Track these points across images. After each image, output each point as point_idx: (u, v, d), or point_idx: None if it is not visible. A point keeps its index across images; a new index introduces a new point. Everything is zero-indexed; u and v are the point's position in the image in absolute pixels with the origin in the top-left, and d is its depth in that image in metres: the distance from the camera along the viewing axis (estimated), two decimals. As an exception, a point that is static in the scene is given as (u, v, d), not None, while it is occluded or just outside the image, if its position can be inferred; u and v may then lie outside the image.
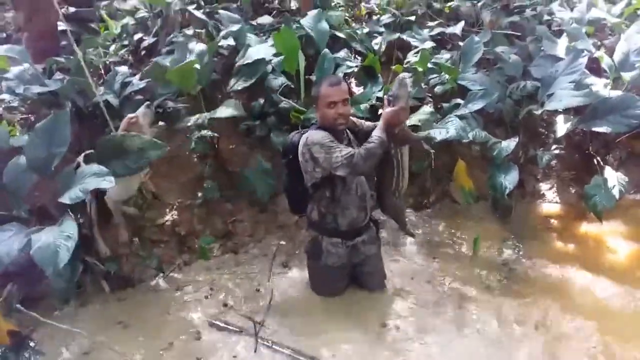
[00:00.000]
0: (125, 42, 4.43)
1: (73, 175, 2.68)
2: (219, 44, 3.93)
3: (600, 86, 3.66)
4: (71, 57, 3.69)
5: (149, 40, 4.31)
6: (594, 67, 3.91)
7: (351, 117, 2.84)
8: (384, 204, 2.95)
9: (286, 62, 3.75)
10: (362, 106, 3.68)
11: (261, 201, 3.65)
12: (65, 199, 2.57)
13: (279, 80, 3.77)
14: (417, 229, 3.70)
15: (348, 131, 2.79)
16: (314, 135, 2.63)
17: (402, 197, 2.96)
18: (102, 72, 3.96)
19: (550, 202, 3.93)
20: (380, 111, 3.05)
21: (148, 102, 3.29)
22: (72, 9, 4.58)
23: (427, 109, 3.66)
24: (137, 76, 3.78)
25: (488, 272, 3.25)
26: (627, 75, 3.62)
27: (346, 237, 2.87)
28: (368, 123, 2.89)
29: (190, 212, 3.54)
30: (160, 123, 3.42)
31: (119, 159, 2.81)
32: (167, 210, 3.51)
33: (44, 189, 2.96)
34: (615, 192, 3.36)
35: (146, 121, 3.14)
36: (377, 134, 2.57)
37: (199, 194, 3.60)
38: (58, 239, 2.41)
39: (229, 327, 2.74)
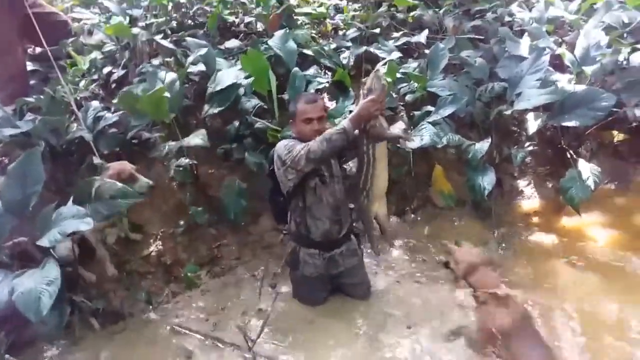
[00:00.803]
0: (95, 77, 4.41)
1: (51, 217, 2.65)
2: (189, 70, 3.95)
3: (564, 82, 3.76)
4: (41, 96, 3.67)
5: (118, 73, 4.29)
6: (557, 63, 4.02)
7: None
8: (354, 208, 2.90)
9: (257, 83, 3.78)
10: (337, 120, 3.72)
11: (235, 222, 3.65)
12: (44, 242, 2.54)
13: (252, 102, 3.80)
14: (400, 235, 3.73)
15: None
16: (282, 142, 2.77)
17: (371, 201, 2.76)
18: (74, 108, 3.94)
19: (528, 199, 4.00)
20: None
21: (152, 183, 3.27)
22: (38, 49, 4.57)
23: (401, 124, 3.69)
24: (111, 110, 3.78)
25: None
26: (588, 70, 3.72)
27: (322, 249, 2.92)
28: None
29: (174, 241, 3.52)
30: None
31: (93, 203, 2.78)
32: (151, 240, 3.49)
33: (23, 230, 2.92)
34: (590, 183, 3.43)
35: (140, 189, 3.14)
36: (342, 122, 2.57)
37: (181, 222, 3.60)
38: (40, 284, 2.38)
39: (221, 344, 2.76)
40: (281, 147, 2.73)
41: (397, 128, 3.01)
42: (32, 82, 4.31)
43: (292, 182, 2.74)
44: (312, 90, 3.96)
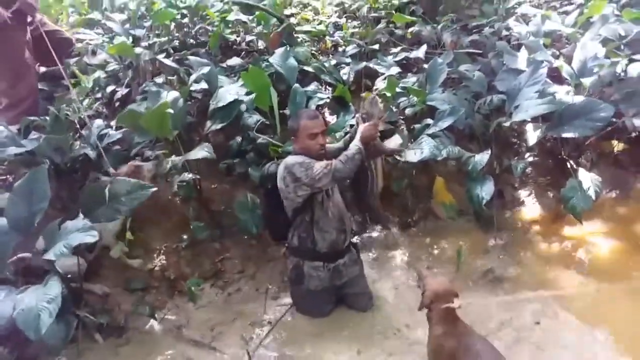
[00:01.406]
0: (99, 95, 4.48)
1: (57, 232, 2.68)
2: (191, 88, 4.00)
3: (563, 93, 3.79)
4: (47, 117, 3.72)
5: (121, 92, 4.35)
6: (555, 75, 4.06)
7: (331, 146, 3.12)
8: (362, 206, 3.29)
9: (258, 99, 3.83)
10: (337, 134, 3.76)
11: (254, 234, 3.64)
12: (50, 256, 2.56)
13: (254, 118, 3.84)
14: (403, 247, 3.76)
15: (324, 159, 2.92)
16: (293, 158, 2.82)
17: (378, 200, 3.35)
18: (78, 126, 3.99)
19: (530, 209, 4.01)
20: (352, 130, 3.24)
21: (157, 162, 3.41)
22: (42, 69, 4.63)
23: (397, 138, 3.75)
24: (114, 127, 3.82)
25: (474, 280, 3.37)
26: (586, 81, 3.76)
27: (327, 260, 2.97)
28: (330, 146, 3.10)
29: (177, 256, 3.54)
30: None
31: (108, 204, 2.84)
32: (155, 255, 3.51)
33: (28, 248, 2.94)
34: (592, 193, 3.44)
35: (149, 175, 3.30)
36: (355, 144, 2.82)
37: (185, 237, 3.62)
38: (41, 302, 2.38)
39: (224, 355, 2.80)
40: (294, 164, 2.76)
41: (394, 142, 3.63)
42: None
43: (301, 197, 2.81)
44: (313, 106, 4.01)
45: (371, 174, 3.13)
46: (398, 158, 3.64)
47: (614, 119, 3.68)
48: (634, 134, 3.99)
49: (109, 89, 4.38)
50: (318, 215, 2.89)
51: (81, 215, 2.74)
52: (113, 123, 3.93)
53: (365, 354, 2.78)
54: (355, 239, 3.32)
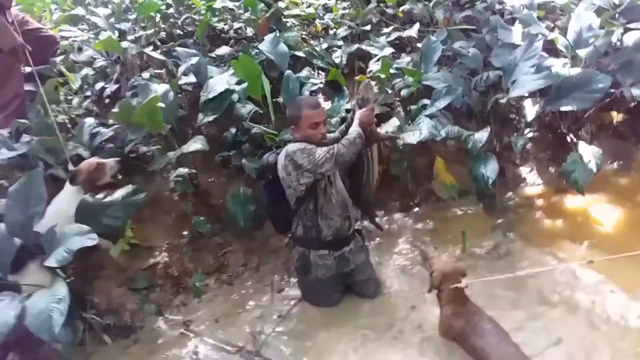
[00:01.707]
0: (88, 93, 4.39)
1: (55, 236, 2.63)
2: (181, 80, 3.93)
3: (559, 66, 3.74)
4: (36, 119, 3.64)
5: (111, 88, 4.27)
6: (551, 48, 4.00)
7: (332, 135, 3.06)
8: (358, 199, 3.14)
9: (250, 88, 3.76)
10: (333, 120, 3.71)
11: (244, 230, 3.61)
12: (52, 262, 2.52)
13: (247, 108, 3.77)
14: (407, 230, 3.73)
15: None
16: (294, 145, 2.76)
17: (372, 191, 3.29)
18: (69, 126, 3.92)
19: (532, 185, 3.99)
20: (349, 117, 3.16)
21: (119, 159, 3.29)
22: (28, 69, 4.53)
23: (395, 121, 3.70)
24: (107, 124, 3.75)
25: (481, 258, 3.34)
26: (582, 53, 3.71)
27: (333, 248, 2.96)
28: (330, 135, 3.03)
29: (180, 252, 3.50)
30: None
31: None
32: (157, 253, 3.47)
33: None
34: (592, 166, 3.41)
35: (110, 172, 3.18)
36: (353, 127, 2.78)
37: (185, 233, 3.58)
38: (50, 304, 2.35)
39: (231, 349, 2.82)
40: (296, 150, 2.71)
41: (392, 125, 3.60)
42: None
43: (304, 185, 2.77)
44: (307, 92, 3.95)
45: (367, 162, 3.08)
46: (397, 141, 3.58)
47: (612, 90, 3.64)
48: (632, 104, 3.95)
49: (98, 86, 4.30)
50: (321, 203, 2.86)
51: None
52: (104, 120, 3.86)
53: (374, 340, 2.77)
54: (358, 225, 3.26)
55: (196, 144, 3.42)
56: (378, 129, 3.19)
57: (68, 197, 3.01)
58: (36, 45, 3.82)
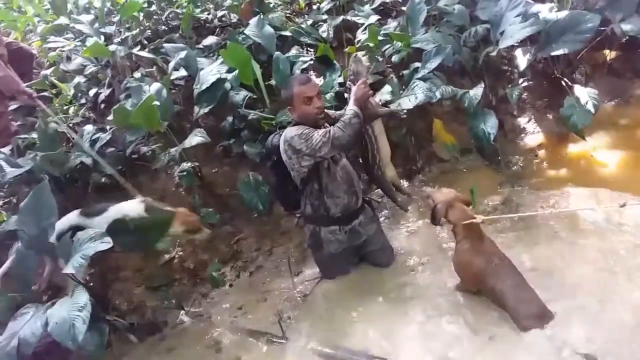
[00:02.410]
0: (82, 101, 4.43)
1: (70, 244, 2.69)
2: (173, 76, 3.94)
3: (546, 11, 3.69)
4: (33, 134, 3.70)
5: (104, 93, 4.31)
6: (534, -7, 3.96)
7: (332, 112, 2.99)
8: (372, 180, 3.08)
9: (242, 75, 3.77)
10: (328, 95, 3.71)
11: (261, 211, 3.64)
12: (69, 269, 2.57)
13: (241, 95, 3.78)
14: (412, 196, 3.70)
15: (328, 125, 2.83)
16: (291, 130, 2.73)
17: (384, 171, 3.04)
18: (69, 136, 3.97)
19: (532, 134, 3.97)
20: (346, 96, 3.10)
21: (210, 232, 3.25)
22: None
23: (387, 87, 3.69)
24: (105, 130, 3.78)
25: (492, 214, 3.31)
26: (569, -6, 3.66)
27: (342, 223, 2.97)
28: (338, 112, 2.97)
29: (192, 245, 3.56)
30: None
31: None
32: (171, 249, 3.53)
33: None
34: (590, 107, 3.39)
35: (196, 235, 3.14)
36: (350, 107, 2.68)
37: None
38: (72, 312, 2.40)
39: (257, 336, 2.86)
40: (293, 136, 2.69)
41: (384, 93, 3.52)
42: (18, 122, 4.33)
43: (306, 167, 2.77)
44: (298, 71, 3.95)
45: (369, 140, 2.95)
46: (397, 114, 3.44)
47: (602, 28, 3.59)
48: (624, 39, 3.90)
49: (91, 92, 4.33)
50: (326, 182, 2.86)
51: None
52: (102, 125, 3.90)
53: (393, 305, 2.81)
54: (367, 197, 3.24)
55: (197, 138, 3.44)
56: (376, 103, 3.03)
57: None
58: (16, 63, 3.85)
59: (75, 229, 2.80)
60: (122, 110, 3.51)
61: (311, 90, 2.73)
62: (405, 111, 3.42)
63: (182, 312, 3.21)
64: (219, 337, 2.97)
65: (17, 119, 4.41)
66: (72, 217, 3.00)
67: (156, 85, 3.65)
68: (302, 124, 2.75)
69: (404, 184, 3.83)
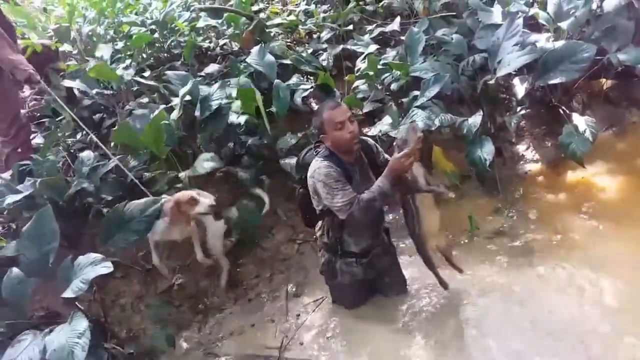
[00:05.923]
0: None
1: (71, 269, 2.68)
2: (174, 103, 3.98)
3: (543, 41, 3.78)
4: (37, 157, 3.71)
5: (108, 119, 4.35)
6: (533, 24, 4.03)
7: (367, 139, 2.86)
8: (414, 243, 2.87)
9: (244, 106, 3.83)
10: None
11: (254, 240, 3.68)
12: (69, 293, 2.57)
13: (242, 121, 3.83)
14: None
15: (362, 154, 2.76)
16: (322, 170, 2.57)
17: (424, 242, 2.78)
18: (69, 161, 3.99)
19: (530, 162, 3.99)
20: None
21: (214, 204, 3.20)
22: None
23: (388, 119, 3.73)
24: (107, 156, 3.79)
25: (489, 240, 3.36)
26: (564, 24, 3.74)
27: (360, 256, 2.86)
28: (387, 156, 2.82)
29: (193, 271, 3.54)
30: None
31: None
32: (171, 275, 3.51)
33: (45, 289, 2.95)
34: (589, 135, 3.44)
35: (200, 209, 3.10)
36: (380, 182, 2.52)
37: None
38: (71, 339, 2.39)
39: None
40: (319, 179, 2.56)
41: (385, 124, 3.53)
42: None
43: (323, 207, 2.68)
44: (299, 99, 4.01)
45: (409, 209, 2.71)
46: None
47: (598, 57, 3.66)
48: (620, 68, 3.97)
49: (96, 117, 4.36)
50: (348, 222, 2.64)
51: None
52: (105, 151, 3.91)
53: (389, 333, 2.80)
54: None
55: (210, 163, 3.46)
56: (421, 175, 2.69)
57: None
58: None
59: None
60: (125, 129, 3.52)
61: (342, 114, 2.56)
62: (449, 192, 3.16)
63: (182, 339, 3.17)
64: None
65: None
66: None
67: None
68: (335, 153, 2.63)
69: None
